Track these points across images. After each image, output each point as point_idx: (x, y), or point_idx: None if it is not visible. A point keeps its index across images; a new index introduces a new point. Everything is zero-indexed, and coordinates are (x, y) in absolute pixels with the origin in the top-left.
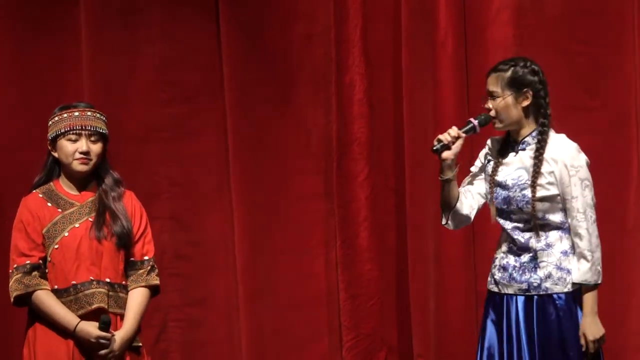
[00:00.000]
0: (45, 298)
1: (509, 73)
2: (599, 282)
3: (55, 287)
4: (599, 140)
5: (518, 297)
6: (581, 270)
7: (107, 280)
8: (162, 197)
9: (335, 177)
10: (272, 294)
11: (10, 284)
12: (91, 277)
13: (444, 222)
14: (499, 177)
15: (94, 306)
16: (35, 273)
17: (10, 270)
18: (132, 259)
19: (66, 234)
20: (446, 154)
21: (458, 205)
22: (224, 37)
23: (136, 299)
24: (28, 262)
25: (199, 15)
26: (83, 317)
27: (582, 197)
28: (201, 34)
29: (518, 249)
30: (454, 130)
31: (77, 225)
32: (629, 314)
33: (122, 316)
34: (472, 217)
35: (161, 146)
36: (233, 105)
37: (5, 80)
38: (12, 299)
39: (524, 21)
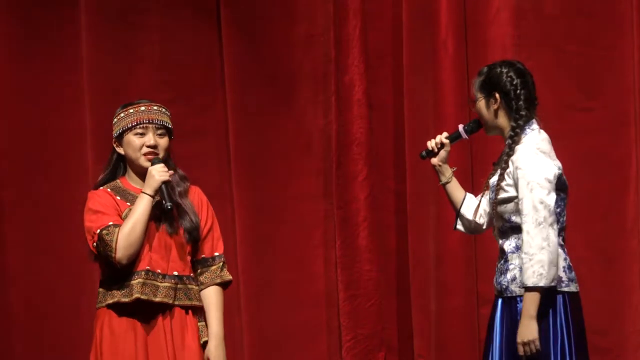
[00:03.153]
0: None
1: (482, 77)
2: (540, 284)
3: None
4: (598, 141)
5: (498, 299)
6: (522, 272)
7: (175, 273)
8: None
9: (335, 178)
10: (272, 294)
11: (108, 242)
12: (159, 270)
13: (454, 226)
14: (490, 181)
15: (157, 299)
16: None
17: (95, 243)
18: (203, 255)
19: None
20: (433, 161)
21: (463, 209)
22: (224, 37)
23: (214, 299)
24: (111, 222)
25: (199, 16)
26: (145, 306)
27: (527, 199)
28: (201, 34)
29: (500, 251)
30: (439, 137)
31: None
32: (628, 313)
33: (193, 309)
34: (483, 222)
35: None
36: (233, 106)
37: (5, 80)
38: (117, 257)
39: (524, 21)
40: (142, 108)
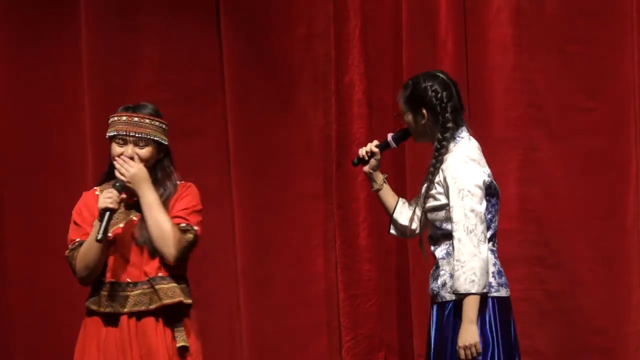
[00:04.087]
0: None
1: (407, 92)
2: (472, 291)
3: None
4: (598, 141)
5: (433, 305)
6: (454, 279)
7: (147, 278)
8: None
9: (335, 178)
10: (272, 294)
11: (71, 263)
12: (128, 280)
13: (388, 230)
14: (423, 188)
15: (125, 310)
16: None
17: (67, 255)
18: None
19: (109, 235)
20: (364, 169)
21: (395, 215)
22: (224, 37)
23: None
24: (77, 239)
25: (199, 16)
26: (113, 315)
27: (458, 207)
28: (201, 34)
29: (433, 258)
30: (370, 146)
31: (121, 225)
32: (628, 314)
33: (165, 316)
34: (416, 227)
35: None
36: (233, 106)
37: (5, 80)
38: (77, 277)
39: (524, 21)
40: (124, 118)
